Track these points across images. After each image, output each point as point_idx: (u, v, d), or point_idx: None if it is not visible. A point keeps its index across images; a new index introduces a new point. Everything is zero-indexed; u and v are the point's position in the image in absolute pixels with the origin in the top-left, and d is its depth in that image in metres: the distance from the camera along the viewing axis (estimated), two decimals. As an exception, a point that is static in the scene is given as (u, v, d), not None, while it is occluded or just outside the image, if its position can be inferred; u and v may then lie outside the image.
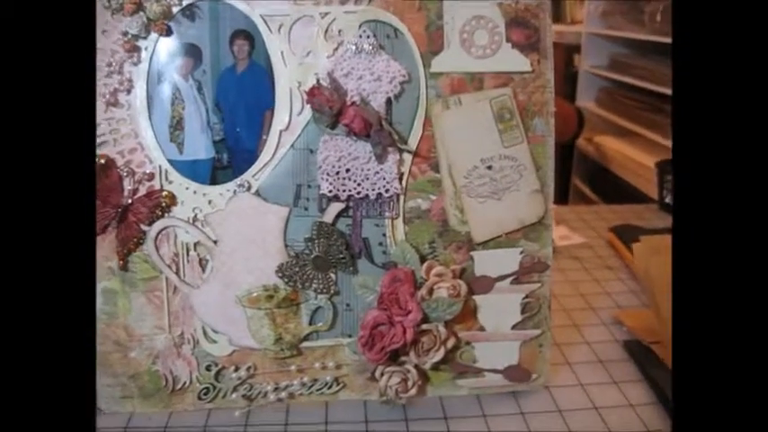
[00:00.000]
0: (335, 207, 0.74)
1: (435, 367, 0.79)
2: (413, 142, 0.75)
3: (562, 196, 2.46)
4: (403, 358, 0.77)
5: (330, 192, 0.74)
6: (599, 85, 3.04)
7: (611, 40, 2.89)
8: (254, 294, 0.76)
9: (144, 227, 0.74)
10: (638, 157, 2.49)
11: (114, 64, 0.71)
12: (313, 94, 0.72)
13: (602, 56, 2.98)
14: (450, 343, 0.77)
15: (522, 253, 0.79)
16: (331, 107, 0.71)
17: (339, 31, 0.73)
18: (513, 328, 0.81)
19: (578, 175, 3.16)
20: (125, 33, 0.71)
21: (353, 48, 0.72)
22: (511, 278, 0.79)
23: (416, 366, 0.77)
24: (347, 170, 0.73)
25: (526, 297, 0.80)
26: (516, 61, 0.75)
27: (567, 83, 3.03)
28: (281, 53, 0.72)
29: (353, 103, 0.72)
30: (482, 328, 0.80)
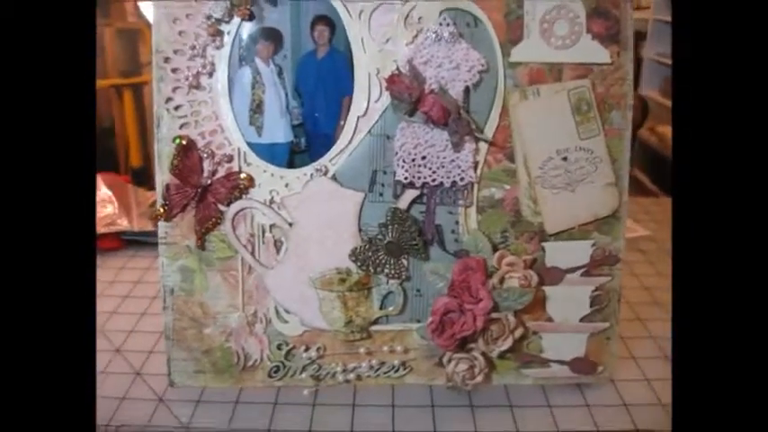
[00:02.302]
0: (410, 194, 0.75)
1: (502, 356, 0.79)
2: (489, 132, 0.75)
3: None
4: (471, 345, 0.78)
5: (405, 178, 0.74)
6: (664, 74, 2.99)
7: (678, 27, 2.83)
8: (327, 277, 0.77)
9: (222, 207, 0.76)
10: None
11: (197, 47, 0.73)
12: (392, 81, 0.72)
13: (668, 44, 2.92)
14: (519, 332, 0.78)
15: (593, 245, 0.78)
16: (410, 94, 0.72)
17: (419, 19, 0.73)
18: (582, 320, 0.81)
19: (637, 165, 3.11)
20: (209, 17, 0.72)
21: (433, 36, 0.73)
22: (581, 270, 0.79)
23: (483, 354, 0.78)
24: (423, 157, 0.74)
25: (596, 290, 0.80)
26: (596, 53, 0.75)
27: (631, 70, 2.97)
28: (361, 39, 0.73)
29: (432, 91, 0.73)
30: (550, 319, 0.80)
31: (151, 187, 1.37)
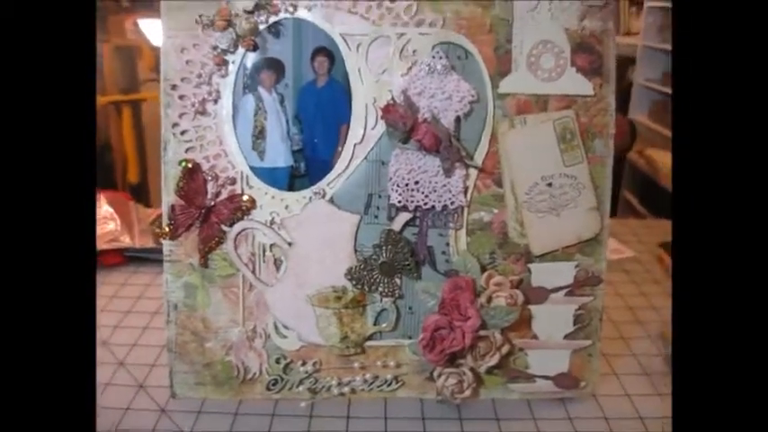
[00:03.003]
0: (403, 216, 0.78)
1: (489, 371, 0.82)
2: (479, 158, 0.78)
3: (611, 208, 2.46)
4: (460, 361, 0.81)
5: (399, 202, 0.78)
6: (652, 99, 3.04)
7: (667, 53, 2.89)
8: (324, 294, 0.80)
9: (225, 227, 0.79)
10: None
11: (204, 75, 0.76)
12: (387, 111, 0.76)
13: (657, 69, 2.98)
14: (505, 349, 0.81)
15: (577, 267, 0.82)
16: (404, 123, 0.75)
17: (413, 52, 0.77)
18: (565, 337, 0.84)
19: (627, 188, 3.15)
20: (215, 47, 0.76)
21: (426, 68, 0.76)
22: (565, 290, 0.82)
23: (472, 369, 0.81)
24: (416, 182, 0.77)
25: (579, 309, 0.83)
26: (580, 85, 0.78)
27: (621, 95, 3.02)
28: (359, 70, 0.77)
29: (425, 120, 0.76)
30: (535, 337, 0.84)
31: (149, 203, 1.40)
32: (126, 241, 1.24)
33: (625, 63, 3.16)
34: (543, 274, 0.82)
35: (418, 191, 0.78)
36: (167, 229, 0.79)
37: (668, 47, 2.80)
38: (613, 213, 0.80)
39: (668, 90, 2.78)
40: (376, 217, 0.79)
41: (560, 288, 0.82)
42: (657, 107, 3.00)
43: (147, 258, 1.22)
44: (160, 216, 0.80)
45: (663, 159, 2.76)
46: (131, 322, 1.03)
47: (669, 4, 2.81)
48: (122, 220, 1.29)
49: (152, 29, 2.87)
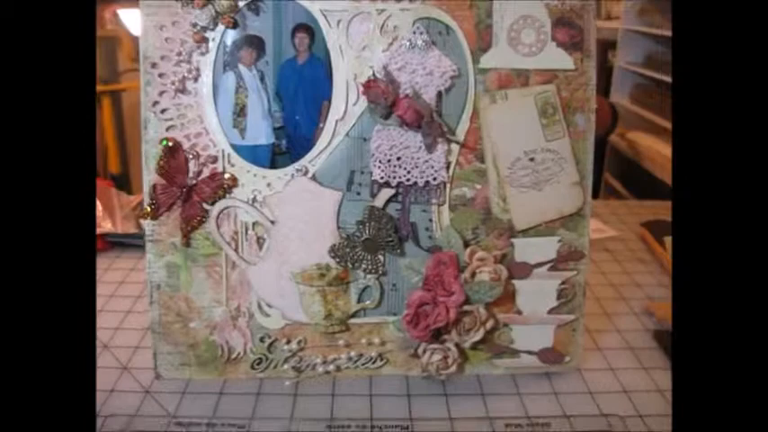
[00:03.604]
0: (386, 193, 0.78)
1: (474, 347, 0.82)
2: (460, 134, 0.78)
3: (594, 190, 2.49)
4: (444, 337, 0.81)
5: (382, 178, 0.78)
6: (633, 82, 3.05)
7: (647, 37, 2.90)
8: (308, 272, 0.80)
9: (207, 206, 0.78)
10: (671, 153, 2.50)
11: (183, 53, 0.76)
12: (368, 87, 0.75)
13: (638, 53, 2.99)
14: (490, 324, 0.81)
15: (560, 241, 0.82)
16: (385, 99, 0.75)
17: (394, 27, 0.76)
18: (549, 312, 0.84)
19: (610, 170, 3.17)
20: (194, 25, 0.75)
21: (407, 43, 0.76)
22: (549, 265, 0.83)
23: (457, 345, 0.81)
24: (398, 158, 0.77)
25: (562, 283, 0.83)
26: (561, 59, 0.78)
27: (602, 78, 3.04)
28: (340, 47, 0.76)
29: (406, 96, 0.76)
30: (519, 312, 0.84)
31: (131, 193, 1.40)
32: (108, 227, 1.24)
33: (606, 47, 3.17)
34: (526, 249, 0.82)
35: (400, 167, 0.78)
36: (149, 209, 0.78)
37: (649, 30, 2.81)
38: (596, 196, 0.81)
39: (649, 73, 2.79)
40: (358, 194, 0.79)
41: (544, 263, 0.83)
42: (638, 91, 3.02)
43: (129, 244, 1.22)
44: (142, 202, 0.80)
45: (645, 142, 2.78)
46: (115, 306, 1.02)
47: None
48: (104, 206, 1.28)
49: (132, 19, 2.85)
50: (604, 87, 3.09)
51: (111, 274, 1.13)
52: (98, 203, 1.27)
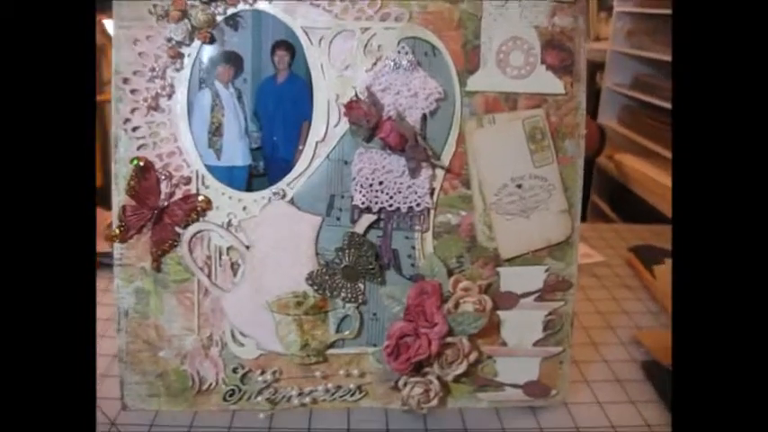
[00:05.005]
0: (367, 218, 0.76)
1: (457, 379, 0.80)
2: (446, 158, 0.76)
3: (581, 213, 2.47)
4: (426, 369, 0.78)
5: (363, 203, 0.75)
6: (621, 104, 3.06)
7: (635, 59, 2.90)
8: (284, 300, 0.77)
9: (179, 229, 0.75)
10: (658, 176, 2.50)
11: (157, 69, 0.73)
12: (351, 108, 0.73)
13: (626, 74, 2.99)
14: (473, 356, 0.78)
15: (547, 271, 0.80)
16: (368, 121, 0.72)
17: (378, 47, 0.74)
18: (535, 344, 0.82)
19: (597, 192, 3.16)
20: (169, 39, 0.73)
21: (392, 63, 0.74)
22: (535, 295, 0.80)
23: (438, 378, 0.78)
24: (380, 183, 0.75)
25: (549, 314, 0.81)
26: (550, 83, 0.76)
27: (590, 100, 3.03)
28: (321, 65, 0.74)
29: (390, 118, 0.73)
30: (504, 343, 0.81)
31: (111, 208, 1.36)
32: None
33: (594, 68, 3.17)
34: (512, 279, 0.80)
35: (383, 192, 0.75)
36: (118, 232, 0.76)
37: (637, 52, 2.81)
38: (583, 218, 0.79)
39: (637, 95, 2.79)
40: (338, 219, 0.76)
41: (530, 293, 0.80)
42: (626, 112, 3.02)
43: (102, 263, 1.16)
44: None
45: (632, 164, 2.77)
46: None
47: (638, 9, 2.83)
48: None
49: (116, 29, 2.82)
50: (592, 109, 3.09)
51: None
52: None
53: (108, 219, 1.26)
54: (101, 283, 1.08)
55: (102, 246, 1.18)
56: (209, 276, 0.77)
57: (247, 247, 0.76)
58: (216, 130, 0.75)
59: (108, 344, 0.91)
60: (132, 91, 0.73)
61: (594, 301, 1.13)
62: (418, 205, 0.76)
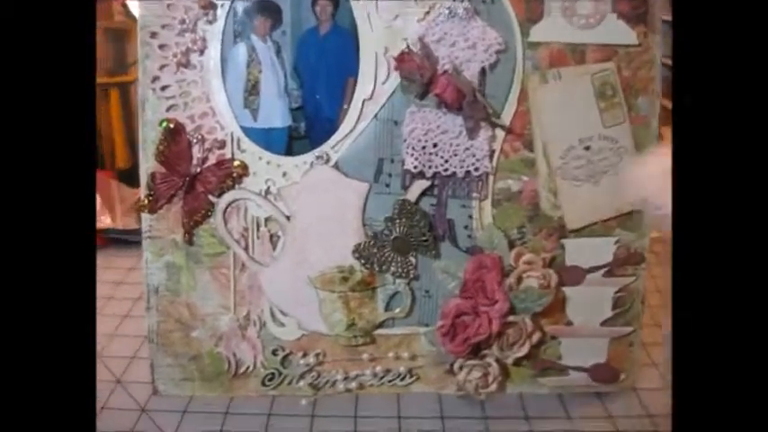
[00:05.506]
0: (420, 185, 0.72)
1: (517, 362, 0.76)
2: (506, 117, 0.72)
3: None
4: (484, 351, 0.74)
5: (415, 168, 0.71)
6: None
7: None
8: (328, 276, 0.74)
9: (212, 198, 0.72)
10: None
11: (188, 21, 0.70)
12: (402, 61, 0.69)
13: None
14: (536, 337, 0.74)
15: (617, 243, 0.75)
16: (421, 75, 0.68)
17: (431, -7, 0.70)
18: (603, 323, 0.77)
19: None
20: (201, -12, 0.69)
21: (446, 12, 0.69)
22: (604, 270, 0.75)
23: (498, 360, 0.74)
24: (434, 145, 0.71)
25: (619, 291, 0.76)
26: (622, 33, 0.72)
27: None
28: (368, 15, 0.70)
29: (445, 72, 0.69)
30: (569, 323, 0.77)
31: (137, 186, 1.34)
32: (106, 222, 1.19)
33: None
34: (579, 252, 0.75)
35: (437, 155, 0.71)
36: (147, 201, 0.72)
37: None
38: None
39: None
40: (387, 185, 0.72)
41: (598, 267, 0.76)
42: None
43: (129, 241, 1.16)
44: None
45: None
46: (110, 310, 0.97)
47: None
48: (103, 200, 1.23)
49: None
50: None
51: (108, 273, 1.08)
52: (96, 196, 1.22)
53: (134, 195, 1.24)
54: (129, 260, 1.12)
55: (128, 222, 1.17)
56: (245, 250, 0.74)
57: (288, 218, 0.73)
58: (252, 89, 0.72)
59: (137, 324, 0.90)
60: (161, 46, 0.70)
61: (656, 279, 1.07)
62: (476, 170, 0.72)
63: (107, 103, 3.38)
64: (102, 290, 1.01)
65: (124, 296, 1.00)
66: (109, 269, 1.08)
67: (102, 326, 0.91)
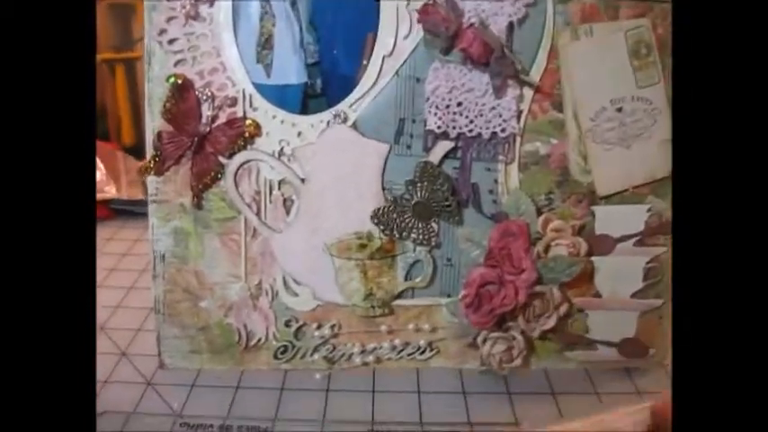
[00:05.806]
0: (443, 146, 0.69)
1: (543, 336, 0.73)
2: (535, 76, 0.68)
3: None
4: (509, 323, 0.71)
5: (438, 128, 0.68)
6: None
7: None
8: (345, 242, 0.72)
9: (223, 159, 0.70)
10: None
11: (197, -30, 0.67)
12: (426, 13, 0.65)
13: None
14: (564, 309, 0.71)
15: (649, 211, 0.72)
16: (447, 28, 0.65)
17: (455, -60, 0.67)
18: (633, 296, 0.74)
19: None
20: (210, -67, 0.67)
21: (472, -40, 0.66)
22: (635, 239, 0.73)
23: (523, 333, 0.72)
24: (459, 104, 0.67)
25: (650, 261, 0.73)
26: (658, -13, 0.69)
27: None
28: (388, -36, 0.67)
29: (471, 25, 0.66)
30: (598, 294, 0.74)
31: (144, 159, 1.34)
32: (111, 192, 1.19)
33: None
34: (609, 220, 0.72)
35: (461, 114, 0.68)
36: (152, 163, 0.69)
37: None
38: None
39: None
40: (409, 147, 0.70)
41: (629, 236, 0.73)
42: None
43: (135, 212, 1.16)
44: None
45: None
46: (115, 281, 0.96)
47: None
48: (108, 170, 1.23)
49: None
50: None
51: (113, 245, 1.07)
52: (101, 167, 1.23)
53: (138, 165, 1.24)
54: (135, 231, 1.13)
55: (133, 193, 1.16)
56: (257, 214, 0.72)
57: (302, 180, 0.70)
58: (265, 43, 0.71)
59: (143, 296, 0.89)
60: (168, -4, 0.67)
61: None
62: (503, 131, 0.68)
63: (113, 79, 3.35)
64: (107, 261, 1.01)
65: (130, 267, 0.99)
66: (113, 241, 1.08)
67: (107, 297, 0.90)
